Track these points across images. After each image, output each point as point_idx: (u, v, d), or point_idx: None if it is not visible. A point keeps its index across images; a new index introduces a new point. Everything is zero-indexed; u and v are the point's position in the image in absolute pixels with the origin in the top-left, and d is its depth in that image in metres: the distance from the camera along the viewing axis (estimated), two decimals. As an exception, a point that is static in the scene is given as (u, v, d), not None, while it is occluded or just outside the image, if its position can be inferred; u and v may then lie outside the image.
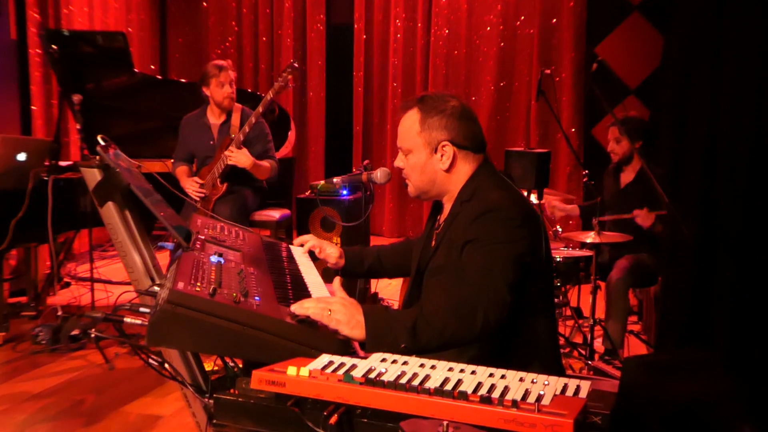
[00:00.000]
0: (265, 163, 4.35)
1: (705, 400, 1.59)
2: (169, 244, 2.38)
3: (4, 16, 5.97)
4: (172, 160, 4.61)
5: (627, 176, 4.19)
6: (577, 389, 1.35)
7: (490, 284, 1.77)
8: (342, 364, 1.43)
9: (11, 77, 6.08)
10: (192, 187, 4.33)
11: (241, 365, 1.69)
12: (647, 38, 6.32)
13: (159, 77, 7.00)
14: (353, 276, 2.48)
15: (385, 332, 1.66)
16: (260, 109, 4.22)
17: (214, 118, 4.43)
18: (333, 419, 1.34)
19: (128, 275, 1.90)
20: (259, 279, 1.87)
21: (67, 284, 5.29)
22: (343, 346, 1.61)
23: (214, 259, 1.86)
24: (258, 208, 4.63)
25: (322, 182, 3.85)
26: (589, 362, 3.64)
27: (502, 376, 1.40)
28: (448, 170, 2.00)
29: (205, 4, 7.95)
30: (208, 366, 1.81)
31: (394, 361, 1.48)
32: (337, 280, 1.91)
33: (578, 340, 4.13)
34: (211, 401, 1.55)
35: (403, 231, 7.50)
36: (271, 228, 4.68)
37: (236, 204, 4.31)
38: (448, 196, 2.05)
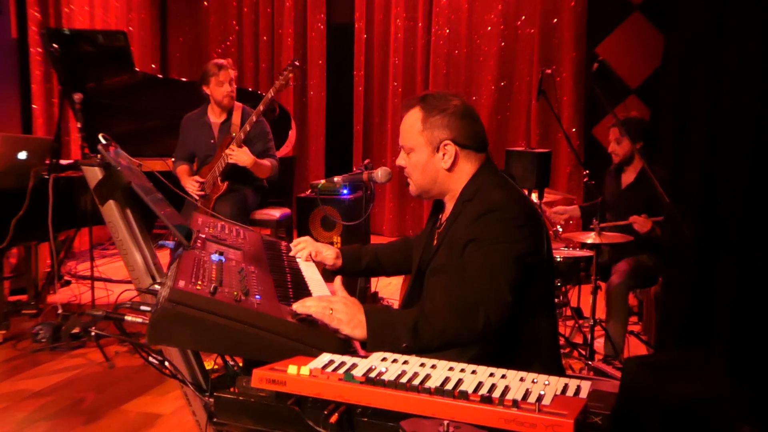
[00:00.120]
0: (266, 162, 4.35)
1: (705, 400, 1.59)
2: (170, 243, 2.38)
3: (5, 15, 5.98)
4: (173, 159, 4.61)
5: (628, 177, 4.18)
6: (578, 389, 1.35)
7: (491, 284, 1.77)
8: (342, 363, 1.43)
9: (12, 76, 6.08)
10: (193, 185, 4.33)
11: (241, 364, 1.69)
12: (648, 38, 6.31)
13: (160, 76, 6.99)
14: (351, 275, 2.47)
15: (387, 332, 1.66)
16: (261, 107, 4.22)
17: (215, 117, 4.43)
18: (333, 418, 1.34)
19: (129, 274, 1.90)
20: (260, 278, 1.87)
21: (68, 282, 5.29)
22: (344, 345, 1.61)
23: (214, 257, 1.86)
24: (258, 207, 4.63)
25: (323, 181, 3.85)
26: (590, 362, 3.64)
27: (503, 376, 1.40)
28: (450, 169, 1.99)
29: (205, 3, 7.95)
30: (209, 364, 1.81)
31: (395, 361, 1.48)
32: (338, 279, 1.91)
33: (578, 340, 4.14)
34: (212, 400, 1.55)
35: (403, 230, 7.49)
36: (272, 227, 4.69)
37: (237, 203, 4.31)
38: (449, 195, 2.04)
